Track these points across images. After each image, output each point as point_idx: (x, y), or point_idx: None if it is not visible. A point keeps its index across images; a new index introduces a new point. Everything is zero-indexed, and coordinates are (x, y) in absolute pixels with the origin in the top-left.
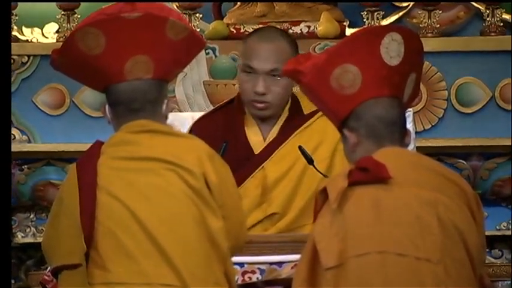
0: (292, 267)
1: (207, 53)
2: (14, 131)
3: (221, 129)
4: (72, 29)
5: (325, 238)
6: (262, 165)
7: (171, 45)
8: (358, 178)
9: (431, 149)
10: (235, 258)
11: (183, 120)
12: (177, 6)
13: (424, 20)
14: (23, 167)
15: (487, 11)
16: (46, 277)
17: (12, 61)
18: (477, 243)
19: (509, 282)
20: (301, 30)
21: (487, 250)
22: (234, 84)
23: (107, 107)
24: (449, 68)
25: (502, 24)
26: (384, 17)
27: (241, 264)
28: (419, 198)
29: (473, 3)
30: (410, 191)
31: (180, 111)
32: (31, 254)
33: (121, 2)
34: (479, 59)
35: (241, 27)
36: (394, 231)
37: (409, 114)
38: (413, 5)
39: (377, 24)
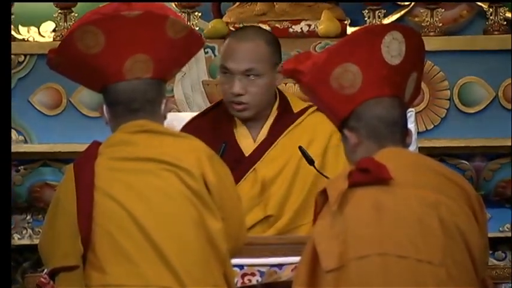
0: (292, 270)
1: (206, 52)
2: None
3: (211, 132)
4: (69, 27)
5: (325, 240)
6: (254, 167)
7: (170, 43)
8: (358, 179)
9: (434, 149)
10: (235, 260)
11: (181, 120)
12: (175, 5)
13: (427, 19)
14: (19, 167)
15: (490, 10)
16: (43, 279)
17: None
18: (480, 245)
19: None
20: (301, 29)
21: (490, 252)
22: None
23: (104, 107)
24: (452, 68)
25: (505, 23)
26: (385, 16)
27: (240, 267)
28: (421, 200)
29: (477, 1)
30: (412, 192)
31: (179, 111)
32: (27, 256)
33: (117, 2)
34: (482, 58)
35: (241, 26)
36: (395, 233)
37: (411, 114)
38: (415, 4)
39: (378, 23)
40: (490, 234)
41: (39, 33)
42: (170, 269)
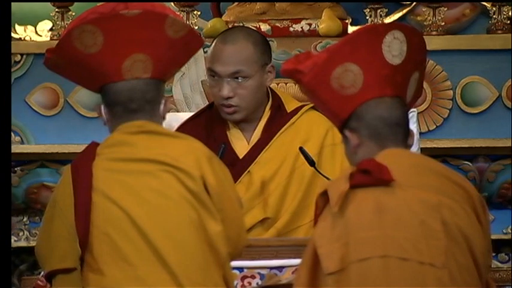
0: (292, 272)
1: (205, 52)
2: None
3: (204, 134)
4: (67, 27)
5: (326, 242)
6: (248, 169)
7: (170, 43)
8: (359, 181)
9: (436, 150)
10: (235, 263)
11: (180, 120)
12: (174, 4)
13: (429, 18)
14: (15, 168)
15: (494, 9)
16: (40, 282)
17: None
18: (483, 247)
19: None
20: (302, 28)
21: (493, 254)
22: None
23: (102, 107)
24: (455, 67)
25: (508, 21)
26: (387, 15)
27: (240, 269)
28: (423, 202)
29: (480, 1)
30: (414, 193)
31: (178, 111)
32: (24, 259)
33: (115, 1)
34: (486, 58)
35: (241, 25)
36: (397, 235)
37: (413, 114)
38: (417, 2)
39: (380, 22)
40: (493, 236)
41: (36, 32)
42: (169, 271)
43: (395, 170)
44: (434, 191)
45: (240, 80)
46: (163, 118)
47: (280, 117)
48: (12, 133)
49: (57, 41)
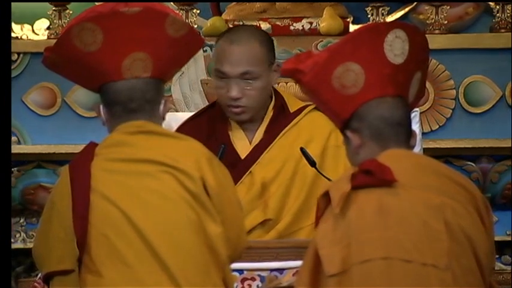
0: (293, 274)
1: (205, 51)
2: None
3: (205, 133)
4: (64, 25)
5: (327, 244)
6: (250, 169)
7: (170, 42)
8: (361, 181)
9: (439, 150)
10: (234, 265)
11: (180, 120)
12: (173, 2)
13: (431, 16)
14: (12, 169)
15: (497, 7)
16: (37, 284)
17: None
18: (486, 249)
19: None
20: (303, 26)
21: (497, 256)
22: None
23: (101, 106)
24: (458, 66)
25: None
26: (389, 13)
27: (240, 271)
28: (426, 203)
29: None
30: (417, 194)
31: (177, 111)
32: (21, 260)
33: (113, 1)
34: (489, 57)
35: (241, 23)
36: (400, 237)
37: (416, 114)
38: (419, 1)
39: (382, 20)
40: (497, 238)
41: (33, 31)
42: (168, 273)
43: (398, 171)
44: (437, 192)
45: (250, 81)
46: (163, 118)
47: (283, 118)
48: None
49: (54, 40)
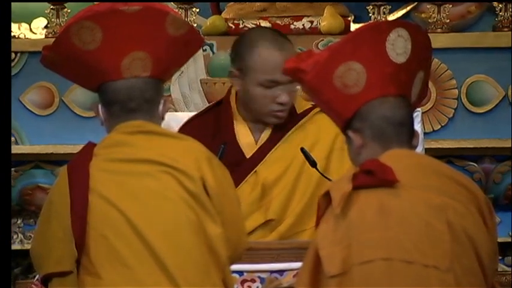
0: (294, 276)
1: (204, 50)
2: None
3: (211, 132)
4: (62, 24)
5: (328, 244)
6: (255, 169)
7: (170, 41)
8: (362, 181)
9: (441, 150)
10: (234, 266)
11: (179, 120)
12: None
13: (433, 15)
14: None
15: (500, 5)
16: (34, 286)
17: None
18: (489, 250)
19: None
20: (303, 25)
21: (500, 258)
22: None
23: (100, 106)
24: (460, 66)
25: None
26: (390, 12)
27: (240, 273)
28: (428, 203)
29: None
30: (418, 195)
31: (176, 110)
32: (18, 262)
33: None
34: (492, 56)
35: (240, 22)
36: (401, 238)
37: (418, 114)
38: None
39: (383, 19)
40: (499, 239)
41: (31, 29)
42: (167, 274)
43: (400, 171)
44: (439, 192)
45: (294, 84)
46: (162, 118)
47: (290, 118)
48: None
49: (52, 39)
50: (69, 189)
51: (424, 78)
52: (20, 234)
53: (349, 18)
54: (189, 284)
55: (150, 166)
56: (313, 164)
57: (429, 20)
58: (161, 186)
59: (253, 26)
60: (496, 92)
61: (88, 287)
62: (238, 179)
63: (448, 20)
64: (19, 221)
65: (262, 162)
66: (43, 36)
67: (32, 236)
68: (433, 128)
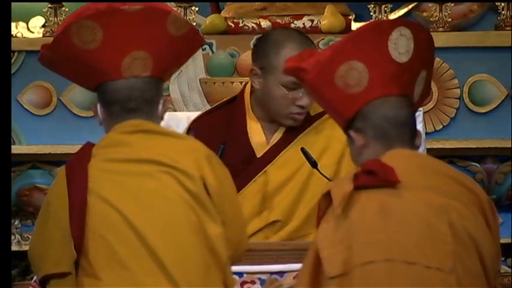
0: (294, 277)
1: (204, 49)
2: None
3: (222, 129)
4: (60, 23)
5: (328, 245)
6: (265, 169)
7: (170, 40)
8: (364, 182)
9: (443, 151)
10: (234, 268)
11: (178, 120)
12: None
13: (435, 14)
14: None
15: (502, 4)
16: None
17: None
18: (492, 251)
19: None
20: (304, 24)
21: (502, 259)
22: (232, 82)
23: (99, 106)
24: (462, 65)
25: None
26: (392, 11)
27: (240, 274)
28: (430, 204)
29: None
30: (420, 196)
31: (175, 110)
32: (16, 263)
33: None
34: (494, 55)
35: (240, 21)
36: (402, 239)
37: (419, 114)
38: None
39: (385, 18)
40: (502, 240)
41: (28, 28)
42: (167, 275)
43: (401, 171)
44: (441, 193)
45: None
46: (162, 118)
47: (303, 120)
48: None
49: (49, 38)
50: (68, 190)
51: (427, 77)
52: (17, 236)
53: (350, 17)
54: (189, 284)
55: (149, 166)
56: (313, 164)
57: (431, 19)
58: (161, 187)
59: (253, 25)
60: (498, 92)
61: None
62: (247, 178)
63: (449, 19)
64: (16, 222)
65: (272, 162)
66: (41, 35)
67: (30, 237)
68: (434, 128)
